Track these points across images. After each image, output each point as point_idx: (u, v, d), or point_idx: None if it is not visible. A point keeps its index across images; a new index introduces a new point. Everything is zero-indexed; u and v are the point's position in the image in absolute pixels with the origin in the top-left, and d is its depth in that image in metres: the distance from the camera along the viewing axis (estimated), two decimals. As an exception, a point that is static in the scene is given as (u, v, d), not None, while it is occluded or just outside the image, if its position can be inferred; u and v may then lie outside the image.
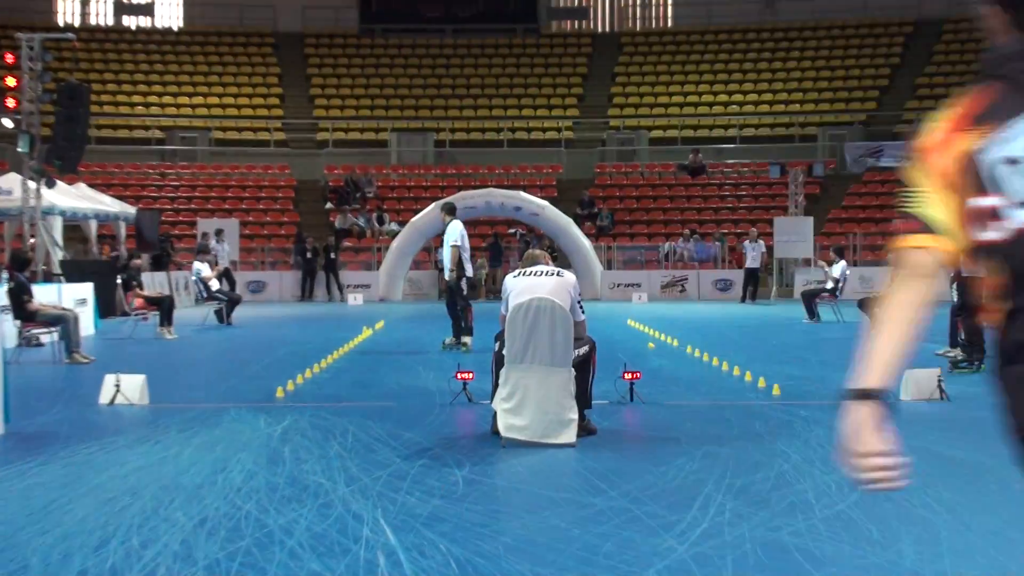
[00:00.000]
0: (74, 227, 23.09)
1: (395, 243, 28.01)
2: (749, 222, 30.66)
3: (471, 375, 8.66)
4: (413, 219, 27.76)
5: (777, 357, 12.62)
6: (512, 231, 30.79)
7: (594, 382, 7.40)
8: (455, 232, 12.70)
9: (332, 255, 28.24)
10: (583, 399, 7.11)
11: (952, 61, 38.26)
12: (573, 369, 6.89)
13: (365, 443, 6.89)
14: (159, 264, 24.28)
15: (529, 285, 6.98)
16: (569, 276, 7.15)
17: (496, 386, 7.07)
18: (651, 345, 13.95)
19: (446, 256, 12.82)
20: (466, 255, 12.76)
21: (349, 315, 21.91)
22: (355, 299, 26.83)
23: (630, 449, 6.81)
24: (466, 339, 12.96)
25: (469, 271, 12.90)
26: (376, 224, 31.36)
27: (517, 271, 7.28)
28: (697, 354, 12.41)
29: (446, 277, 12.97)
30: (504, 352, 6.95)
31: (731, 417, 7.93)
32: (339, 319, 20.64)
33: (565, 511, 5.13)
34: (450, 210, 13.33)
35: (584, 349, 7.18)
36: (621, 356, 11.47)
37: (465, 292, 12.83)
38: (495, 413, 7.00)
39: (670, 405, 8.68)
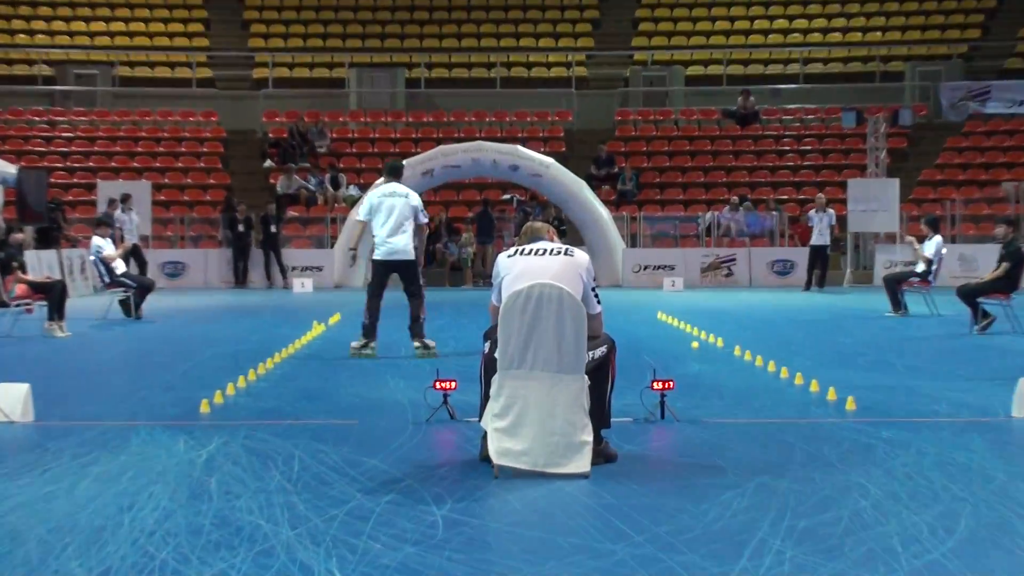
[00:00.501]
0: (-64, 191, 23.06)
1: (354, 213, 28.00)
2: (815, 185, 30.68)
3: (454, 385, 8.67)
4: (377, 181, 27.72)
5: (851, 361, 12.65)
6: (507, 197, 30.80)
7: (613, 394, 7.41)
8: (365, 204, 13.29)
9: (272, 228, 28.22)
10: (599, 416, 7.11)
11: (1080, -24, 38.21)
12: (587, 377, 6.89)
13: (316, 473, 6.90)
14: (47, 240, 24.25)
15: (529, 267, 6.97)
16: (581, 256, 7.14)
17: (486, 399, 7.08)
18: (695, 345, 13.97)
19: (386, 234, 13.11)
20: (382, 232, 12.84)
21: (295, 306, 21.90)
22: (303, 285, 26.84)
23: (660, 481, 6.82)
24: (355, 342, 13.22)
25: (393, 252, 12.90)
26: (330, 188, 31.35)
27: (513, 249, 7.27)
28: (747, 357, 12.44)
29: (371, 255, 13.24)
30: (496, 355, 6.95)
31: (792, 439, 7.95)
32: (282, 311, 20.64)
33: (576, 561, 5.14)
34: (390, 170, 13.44)
35: (600, 351, 7.18)
36: (648, 360, 11.49)
37: (370, 279, 13.32)
38: (485, 434, 7.00)
39: (712, 423, 8.70)
